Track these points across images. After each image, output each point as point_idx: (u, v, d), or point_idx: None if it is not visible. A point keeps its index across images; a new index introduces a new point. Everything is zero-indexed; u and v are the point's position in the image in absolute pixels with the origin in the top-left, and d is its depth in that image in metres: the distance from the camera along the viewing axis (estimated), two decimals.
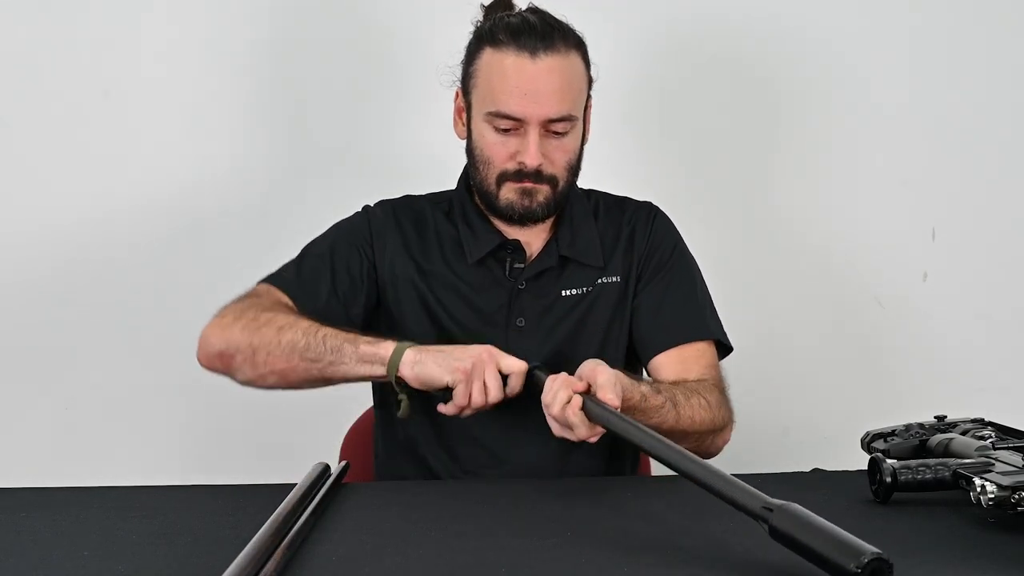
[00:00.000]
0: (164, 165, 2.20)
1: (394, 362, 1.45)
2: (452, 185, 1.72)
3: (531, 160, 1.54)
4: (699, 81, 2.27)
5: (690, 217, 1.80)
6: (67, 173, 2.19)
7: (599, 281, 1.64)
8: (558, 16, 1.58)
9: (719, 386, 1.60)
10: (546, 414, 1.36)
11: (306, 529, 1.17)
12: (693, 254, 1.73)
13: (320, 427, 1.84)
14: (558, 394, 1.34)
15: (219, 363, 1.56)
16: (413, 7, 2.20)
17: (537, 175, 1.56)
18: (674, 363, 1.61)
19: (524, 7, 1.61)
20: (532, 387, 1.43)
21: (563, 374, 1.37)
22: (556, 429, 1.37)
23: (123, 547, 1.15)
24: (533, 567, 1.08)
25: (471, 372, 1.41)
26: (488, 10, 1.61)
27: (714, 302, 1.71)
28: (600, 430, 1.34)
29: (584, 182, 1.71)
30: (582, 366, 1.39)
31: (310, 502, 1.25)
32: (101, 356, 2.21)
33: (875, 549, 0.98)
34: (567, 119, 1.55)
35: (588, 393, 1.35)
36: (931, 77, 2.28)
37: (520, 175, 1.56)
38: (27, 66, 2.17)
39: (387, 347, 1.46)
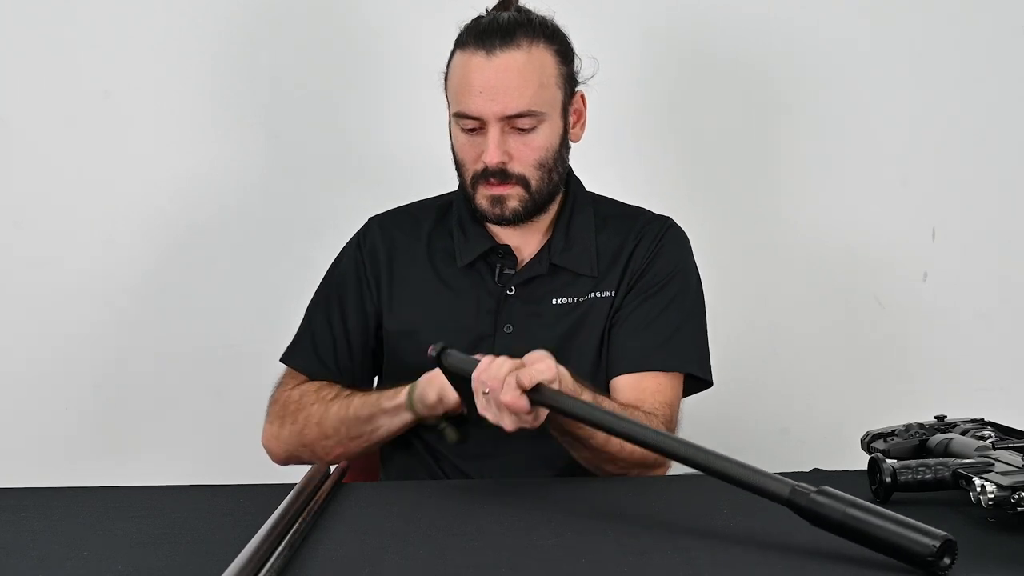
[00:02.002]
0: (163, 165, 2.20)
1: (411, 400, 1.49)
2: (452, 186, 1.72)
3: (489, 158, 1.54)
4: (698, 81, 2.26)
5: (689, 217, 1.80)
6: (66, 174, 2.19)
7: (593, 294, 1.62)
8: (546, 13, 1.57)
9: (668, 426, 1.54)
10: (477, 393, 1.31)
11: (306, 529, 1.17)
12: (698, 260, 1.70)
13: None
14: (500, 376, 1.28)
15: (294, 462, 1.64)
16: (416, 8, 2.20)
17: (503, 174, 1.55)
18: (631, 389, 1.56)
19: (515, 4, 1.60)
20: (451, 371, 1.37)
21: (491, 358, 1.31)
22: (492, 418, 1.31)
23: (123, 547, 1.15)
24: (533, 567, 1.08)
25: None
26: (490, 12, 1.60)
27: (707, 335, 1.65)
28: (539, 414, 1.30)
29: (586, 179, 1.71)
30: (528, 355, 1.33)
31: (310, 502, 1.25)
32: (101, 356, 2.21)
33: (943, 532, 1.01)
34: (528, 115, 1.53)
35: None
36: (931, 77, 2.28)
37: (487, 174, 1.55)
38: (27, 66, 2.17)
39: (403, 394, 1.50)
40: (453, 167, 1.67)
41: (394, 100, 2.21)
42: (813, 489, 1.09)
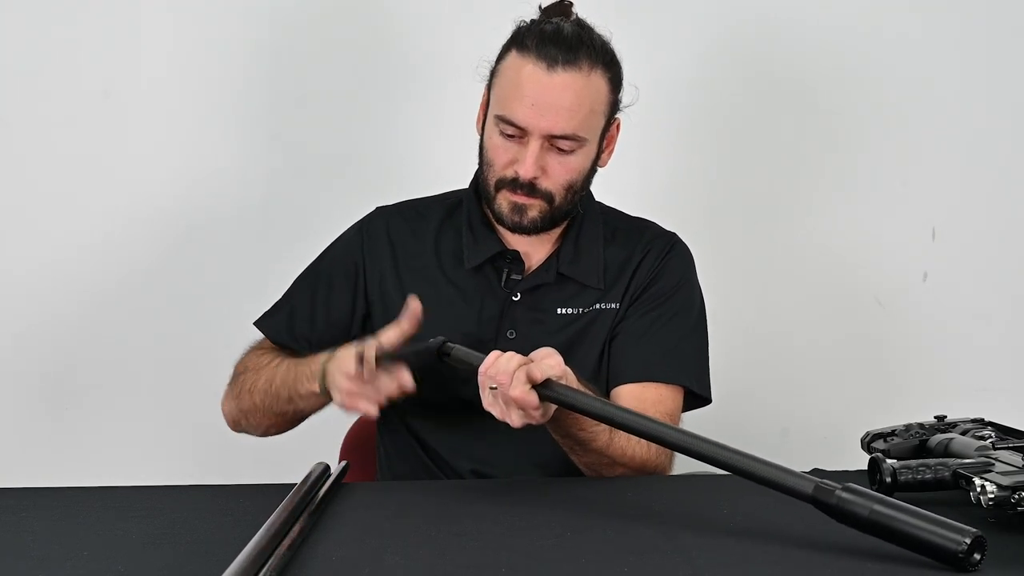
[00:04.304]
0: (164, 166, 2.20)
1: (325, 389, 1.47)
2: (450, 187, 1.71)
3: (525, 172, 1.52)
4: (695, 82, 2.27)
5: (689, 217, 1.80)
6: (67, 173, 2.19)
7: (597, 305, 1.61)
8: (604, 31, 1.55)
9: None
10: (484, 387, 1.30)
11: (306, 529, 1.17)
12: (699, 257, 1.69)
13: (320, 427, 1.83)
14: (509, 370, 1.27)
15: (237, 430, 1.67)
16: (416, 10, 2.20)
17: (531, 188, 1.53)
18: (633, 399, 1.55)
19: (575, 15, 1.57)
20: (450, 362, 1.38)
21: (498, 353, 1.31)
22: (498, 413, 1.30)
23: (123, 547, 1.15)
24: (533, 567, 1.08)
25: (344, 392, 1.41)
26: (544, 12, 1.58)
27: (708, 354, 1.65)
28: (547, 410, 1.30)
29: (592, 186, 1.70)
30: (536, 351, 1.33)
31: (310, 502, 1.25)
32: (101, 356, 2.21)
33: (973, 528, 1.03)
34: (572, 138, 1.52)
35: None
36: (932, 77, 2.28)
37: (515, 184, 1.54)
38: (27, 66, 2.17)
39: (317, 362, 1.49)
40: (453, 168, 1.67)
41: (395, 101, 2.21)
42: (838, 486, 1.09)
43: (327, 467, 1.40)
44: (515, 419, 1.30)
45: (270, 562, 1.04)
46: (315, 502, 1.26)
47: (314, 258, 1.71)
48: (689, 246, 1.70)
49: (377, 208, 1.72)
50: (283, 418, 1.59)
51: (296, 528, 1.15)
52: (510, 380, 1.27)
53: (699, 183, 2.28)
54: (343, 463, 1.48)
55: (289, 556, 1.08)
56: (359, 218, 1.71)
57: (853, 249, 2.29)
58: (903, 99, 2.28)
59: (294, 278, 1.72)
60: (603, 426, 1.40)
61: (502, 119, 1.53)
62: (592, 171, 1.60)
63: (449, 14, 2.18)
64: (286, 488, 1.26)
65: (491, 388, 1.30)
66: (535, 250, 1.63)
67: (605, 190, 1.72)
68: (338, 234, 1.72)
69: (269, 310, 1.70)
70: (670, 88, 2.24)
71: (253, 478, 1.43)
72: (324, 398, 1.49)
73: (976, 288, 2.30)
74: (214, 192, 2.21)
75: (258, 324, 1.69)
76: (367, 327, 1.65)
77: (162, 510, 1.27)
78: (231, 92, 2.21)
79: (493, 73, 1.58)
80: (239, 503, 1.29)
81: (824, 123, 2.28)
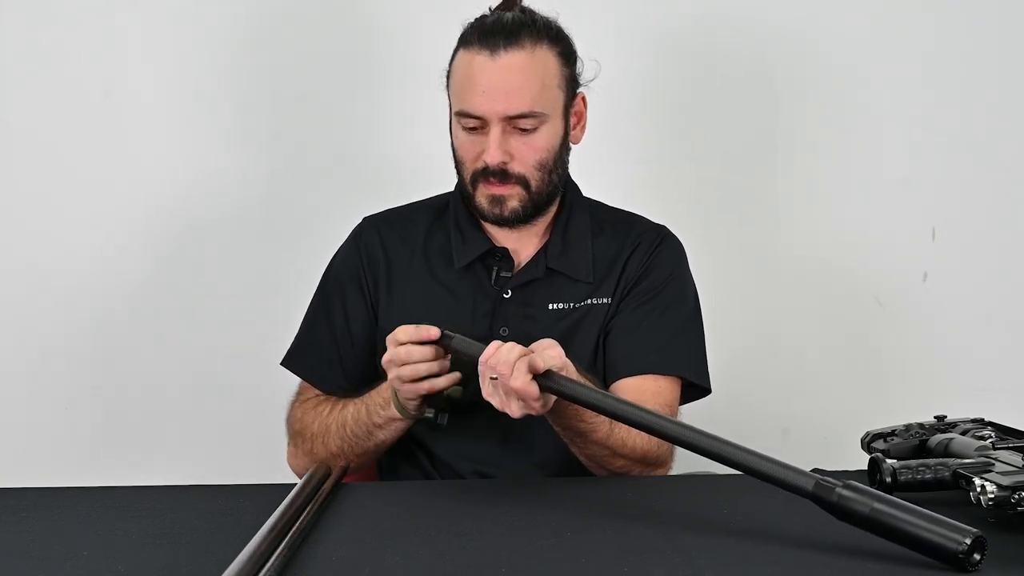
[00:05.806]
0: (164, 166, 2.20)
1: (404, 411, 1.47)
2: (446, 188, 1.71)
3: (491, 157, 1.54)
4: (700, 80, 2.26)
5: (688, 217, 1.80)
6: (66, 174, 2.19)
7: (588, 300, 1.61)
8: (550, 14, 1.57)
9: None
10: (484, 377, 1.30)
11: (306, 529, 1.17)
12: (694, 259, 1.69)
13: None
14: (510, 360, 1.27)
15: None
16: (418, 10, 2.20)
17: (503, 174, 1.55)
18: (632, 392, 1.54)
19: (519, 5, 1.60)
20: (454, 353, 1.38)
21: (499, 343, 1.31)
22: (498, 403, 1.30)
23: (123, 547, 1.15)
24: (533, 567, 1.08)
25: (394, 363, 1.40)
26: (493, 11, 1.60)
27: (705, 344, 1.65)
28: (547, 401, 1.30)
29: (584, 183, 1.71)
30: (537, 342, 1.33)
31: (310, 502, 1.25)
32: (100, 356, 2.21)
33: (973, 528, 1.03)
34: (530, 116, 1.54)
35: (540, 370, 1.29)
36: (932, 77, 2.28)
37: (487, 173, 1.55)
38: (27, 66, 2.17)
39: (384, 388, 1.48)
40: (451, 168, 1.67)
41: (395, 101, 2.21)
42: (839, 483, 1.09)
43: (327, 467, 1.40)
44: (515, 409, 1.29)
45: (270, 562, 1.04)
46: (315, 502, 1.26)
47: (318, 285, 1.71)
48: (688, 246, 1.70)
49: (365, 218, 1.72)
50: (367, 456, 1.58)
51: (296, 528, 1.15)
52: (511, 370, 1.27)
53: (698, 183, 2.27)
54: (343, 462, 1.48)
55: (289, 556, 1.08)
56: (355, 220, 1.72)
57: (853, 249, 2.29)
58: (904, 98, 2.27)
59: (290, 285, 1.71)
60: (603, 417, 1.39)
61: (461, 113, 1.56)
62: (564, 148, 1.61)
63: (450, 15, 2.18)
64: (286, 488, 1.26)
65: (491, 378, 1.29)
66: (523, 246, 1.63)
67: (604, 188, 1.73)
68: (334, 235, 1.72)
69: (293, 348, 1.69)
70: (667, 85, 2.24)
71: (253, 478, 1.43)
72: (405, 420, 1.49)
73: (976, 288, 2.30)
74: (214, 192, 2.21)
75: (287, 365, 1.68)
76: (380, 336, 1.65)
77: (162, 510, 1.28)
78: (231, 92, 2.21)
79: (447, 77, 1.61)
80: (239, 503, 1.29)
81: (825, 122, 2.28)
